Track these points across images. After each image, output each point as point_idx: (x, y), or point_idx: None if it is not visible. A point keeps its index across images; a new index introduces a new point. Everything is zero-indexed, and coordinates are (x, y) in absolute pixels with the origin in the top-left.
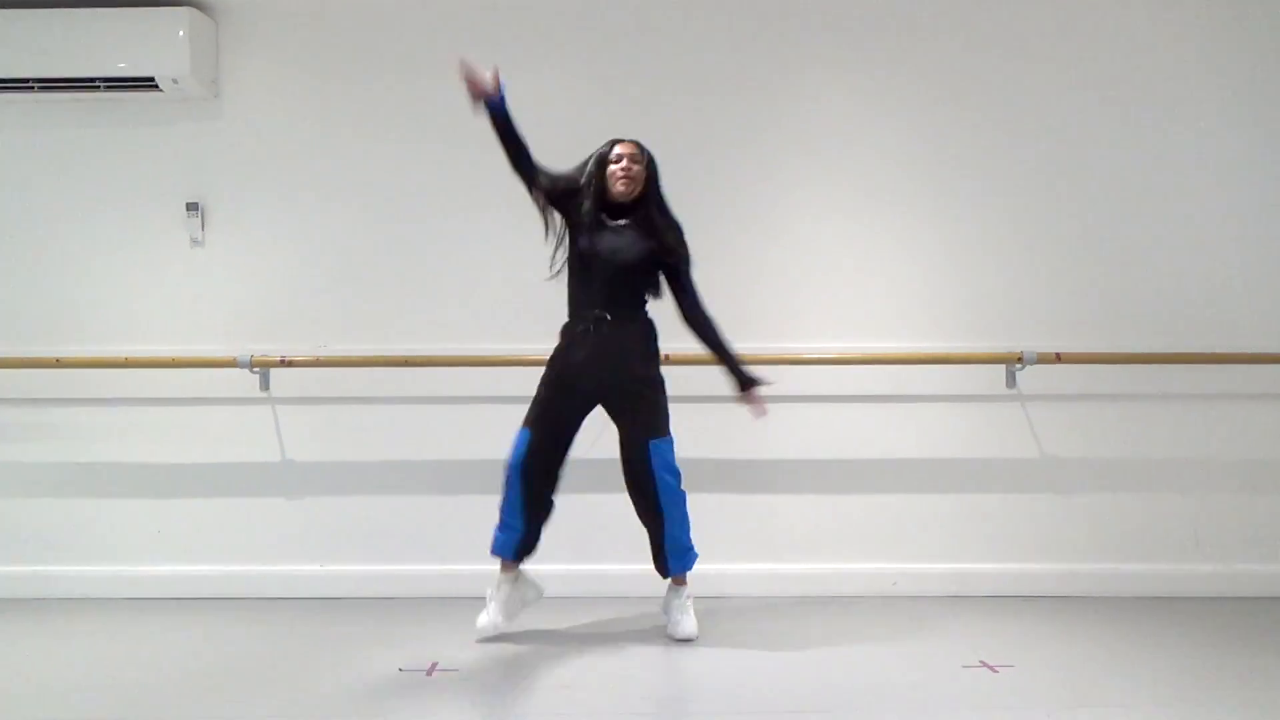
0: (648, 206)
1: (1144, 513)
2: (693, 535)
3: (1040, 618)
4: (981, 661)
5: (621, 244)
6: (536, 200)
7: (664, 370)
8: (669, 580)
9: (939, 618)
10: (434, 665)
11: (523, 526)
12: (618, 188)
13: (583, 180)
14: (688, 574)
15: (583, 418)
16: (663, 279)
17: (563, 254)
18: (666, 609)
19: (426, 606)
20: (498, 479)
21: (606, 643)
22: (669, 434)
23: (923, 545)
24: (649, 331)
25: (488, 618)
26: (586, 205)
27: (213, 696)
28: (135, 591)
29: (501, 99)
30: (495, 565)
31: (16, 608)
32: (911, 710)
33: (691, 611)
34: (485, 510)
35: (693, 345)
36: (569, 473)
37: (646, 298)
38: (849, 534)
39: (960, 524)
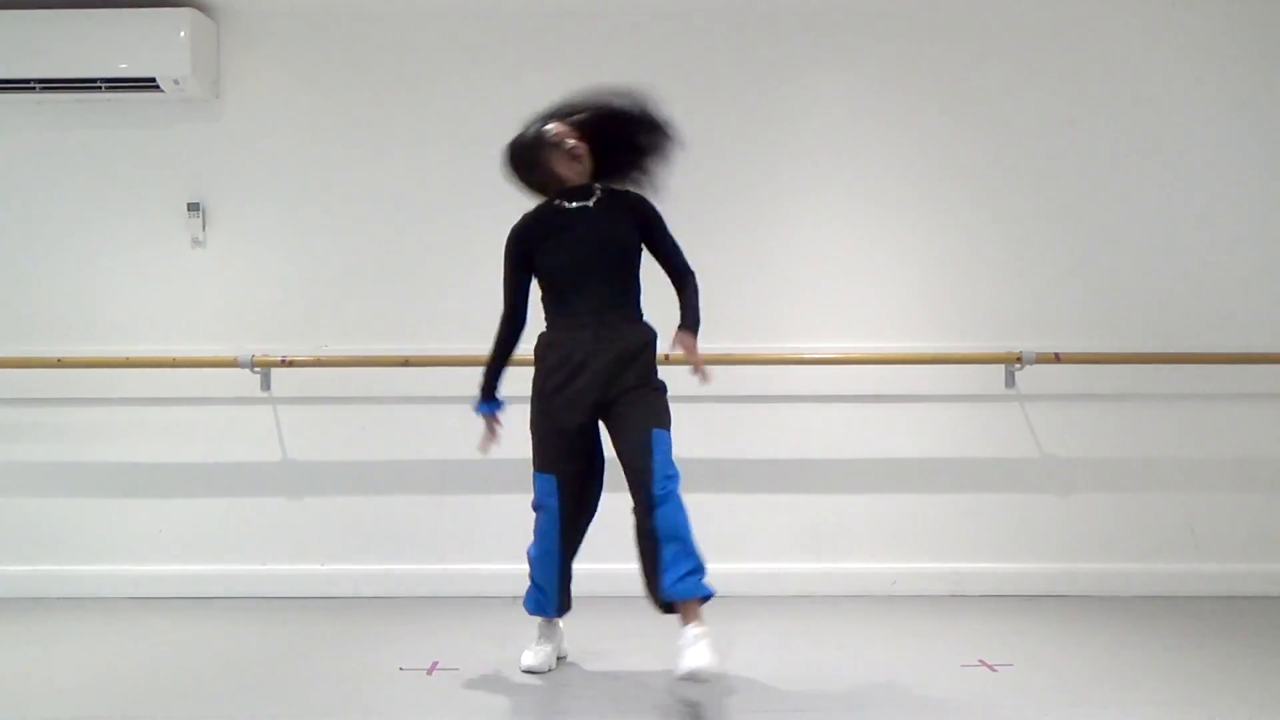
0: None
1: (1142, 512)
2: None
3: (1039, 617)
4: (980, 661)
5: (588, 233)
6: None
7: (662, 371)
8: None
9: (938, 617)
10: (434, 664)
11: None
12: (575, 168)
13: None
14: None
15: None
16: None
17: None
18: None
19: (426, 605)
20: (496, 479)
21: (604, 642)
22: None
23: (922, 545)
24: (648, 335)
25: (537, 658)
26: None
27: (213, 695)
28: (136, 591)
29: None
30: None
31: (18, 607)
32: (911, 709)
33: (702, 644)
34: (484, 510)
35: None
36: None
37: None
38: (848, 533)
39: (959, 523)
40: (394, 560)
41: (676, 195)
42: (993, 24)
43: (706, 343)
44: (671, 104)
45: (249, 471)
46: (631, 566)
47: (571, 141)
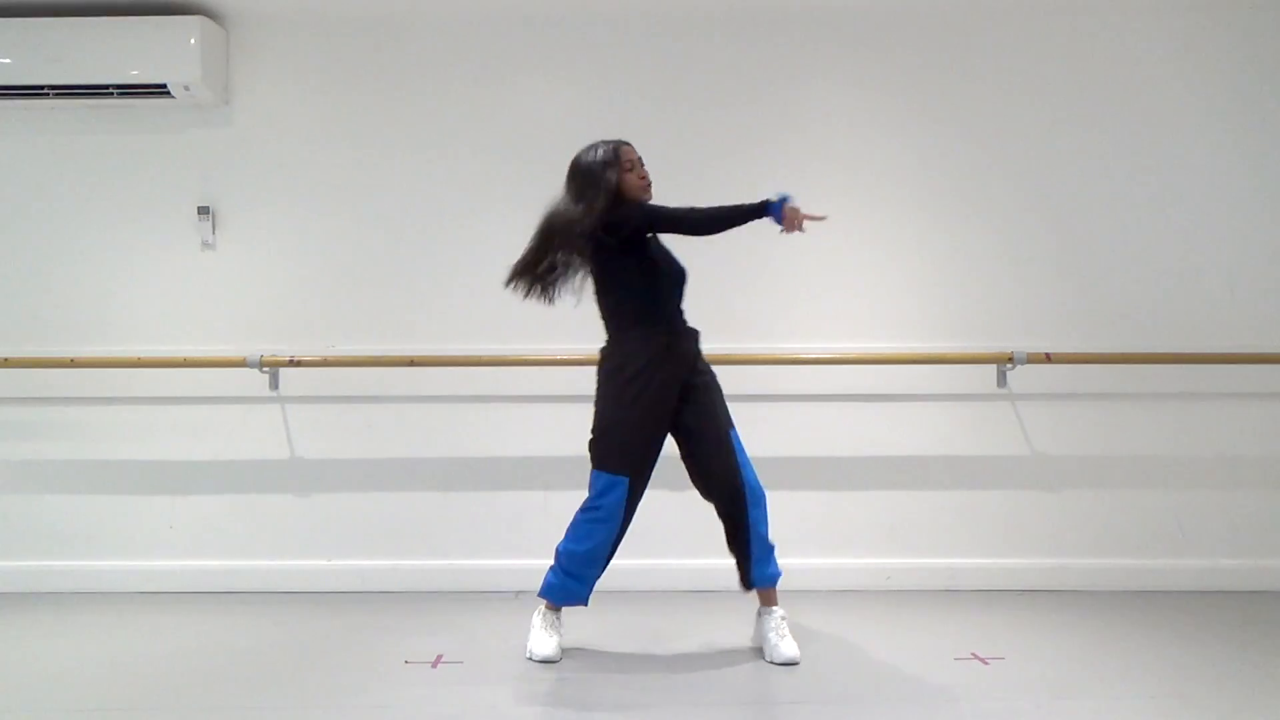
0: None
1: (1130, 508)
2: (767, 539)
3: (1030, 611)
4: (973, 654)
5: (665, 250)
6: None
7: None
8: (759, 602)
9: (931, 611)
10: (439, 658)
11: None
12: (646, 195)
13: (603, 193)
14: (776, 590)
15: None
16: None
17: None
18: (760, 634)
19: (431, 600)
20: (501, 476)
21: (605, 637)
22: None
23: (915, 541)
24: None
25: (550, 647)
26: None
27: (222, 688)
28: (147, 586)
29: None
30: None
31: (32, 602)
32: (904, 701)
33: (788, 632)
34: (488, 507)
35: None
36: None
37: None
38: (843, 530)
39: (952, 520)
40: (399, 556)
41: (676, 197)
42: (983, 29)
43: (703, 344)
44: (670, 108)
45: (257, 469)
46: (634, 563)
47: (644, 173)
